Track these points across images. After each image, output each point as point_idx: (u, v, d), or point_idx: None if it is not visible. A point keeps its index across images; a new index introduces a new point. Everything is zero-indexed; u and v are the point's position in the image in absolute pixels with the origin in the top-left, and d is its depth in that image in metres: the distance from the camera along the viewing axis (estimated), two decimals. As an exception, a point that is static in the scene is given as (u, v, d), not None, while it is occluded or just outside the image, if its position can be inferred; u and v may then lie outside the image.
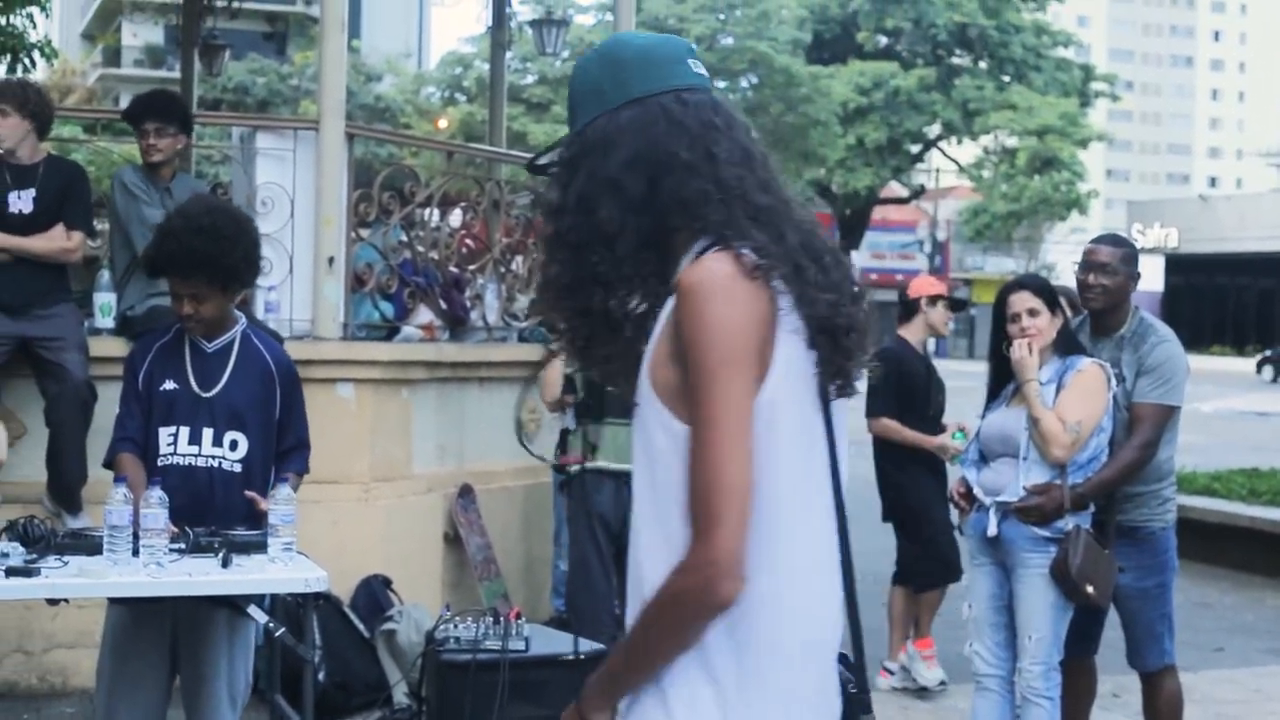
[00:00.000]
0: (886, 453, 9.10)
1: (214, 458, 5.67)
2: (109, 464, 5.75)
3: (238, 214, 6.02)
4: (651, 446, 2.68)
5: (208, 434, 5.68)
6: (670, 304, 2.65)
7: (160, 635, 5.70)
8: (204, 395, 5.66)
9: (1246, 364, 57.97)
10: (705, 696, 2.65)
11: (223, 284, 5.63)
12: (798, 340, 2.66)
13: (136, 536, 5.36)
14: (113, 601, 5.67)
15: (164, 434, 5.69)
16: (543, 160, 2.89)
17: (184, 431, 5.68)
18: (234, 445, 5.71)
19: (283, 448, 5.84)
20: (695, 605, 2.57)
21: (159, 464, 5.64)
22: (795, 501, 2.71)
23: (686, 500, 2.58)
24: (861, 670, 2.96)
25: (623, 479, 8.24)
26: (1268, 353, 55.62)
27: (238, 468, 5.69)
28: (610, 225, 2.70)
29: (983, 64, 52.68)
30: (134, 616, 5.68)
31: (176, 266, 5.61)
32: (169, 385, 5.69)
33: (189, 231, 5.57)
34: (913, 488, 9.00)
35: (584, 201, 2.71)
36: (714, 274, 2.59)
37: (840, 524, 2.83)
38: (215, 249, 5.54)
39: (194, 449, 5.67)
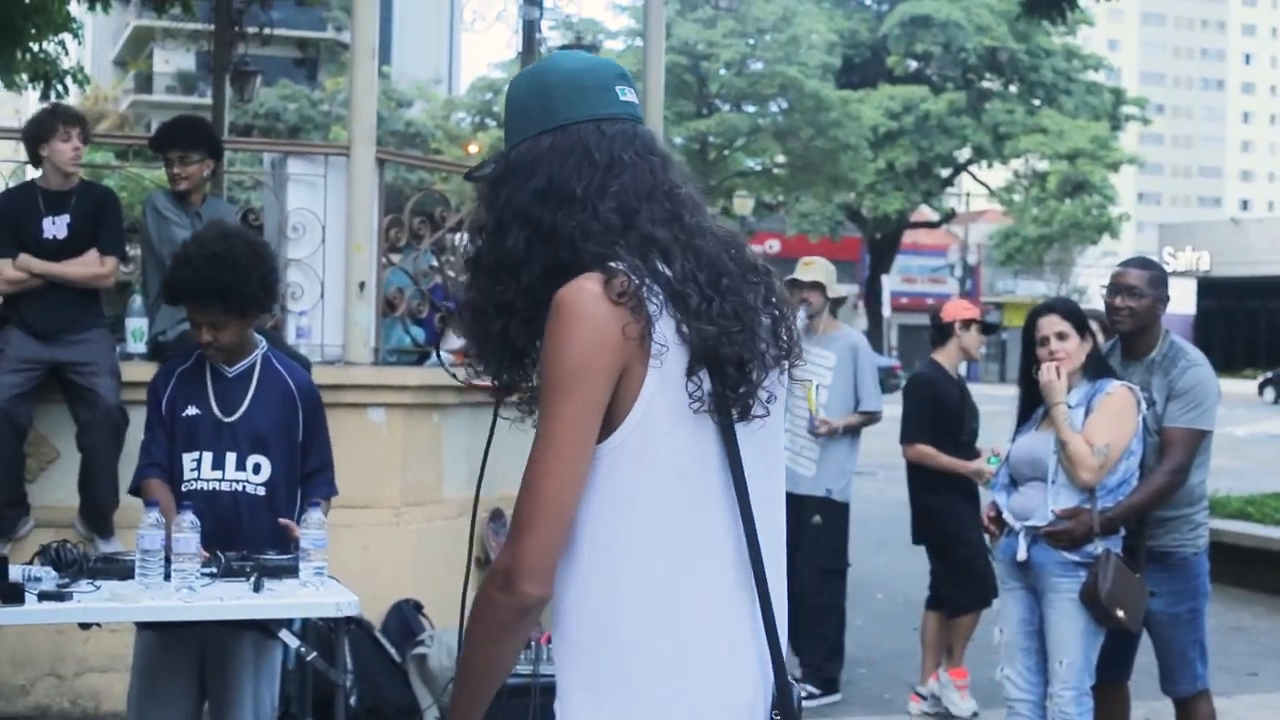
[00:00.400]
0: (920, 477, 9.08)
1: (238, 482, 5.68)
2: (135, 490, 5.76)
3: (253, 239, 6.01)
4: None
5: (231, 458, 5.69)
6: None
7: (190, 659, 5.71)
8: (226, 420, 5.67)
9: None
10: None
11: (240, 311, 5.63)
12: (672, 370, 2.63)
13: (168, 561, 5.39)
14: (142, 626, 5.69)
15: (187, 460, 5.70)
16: (476, 174, 2.88)
17: (207, 457, 5.69)
18: (257, 469, 5.72)
19: (307, 469, 5.84)
20: (497, 607, 2.62)
21: (183, 489, 5.65)
22: (676, 543, 2.67)
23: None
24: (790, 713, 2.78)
25: None
26: (1269, 374, 55.10)
27: (261, 491, 5.70)
28: (517, 253, 2.70)
29: (1013, 88, 52.63)
30: (163, 641, 5.70)
31: (193, 295, 5.61)
32: (191, 411, 5.70)
33: (204, 259, 5.58)
34: (946, 511, 8.97)
35: (499, 227, 2.73)
36: (576, 291, 2.60)
37: (755, 555, 2.72)
38: (231, 276, 5.54)
39: (217, 474, 5.68)
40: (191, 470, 5.70)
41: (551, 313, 2.59)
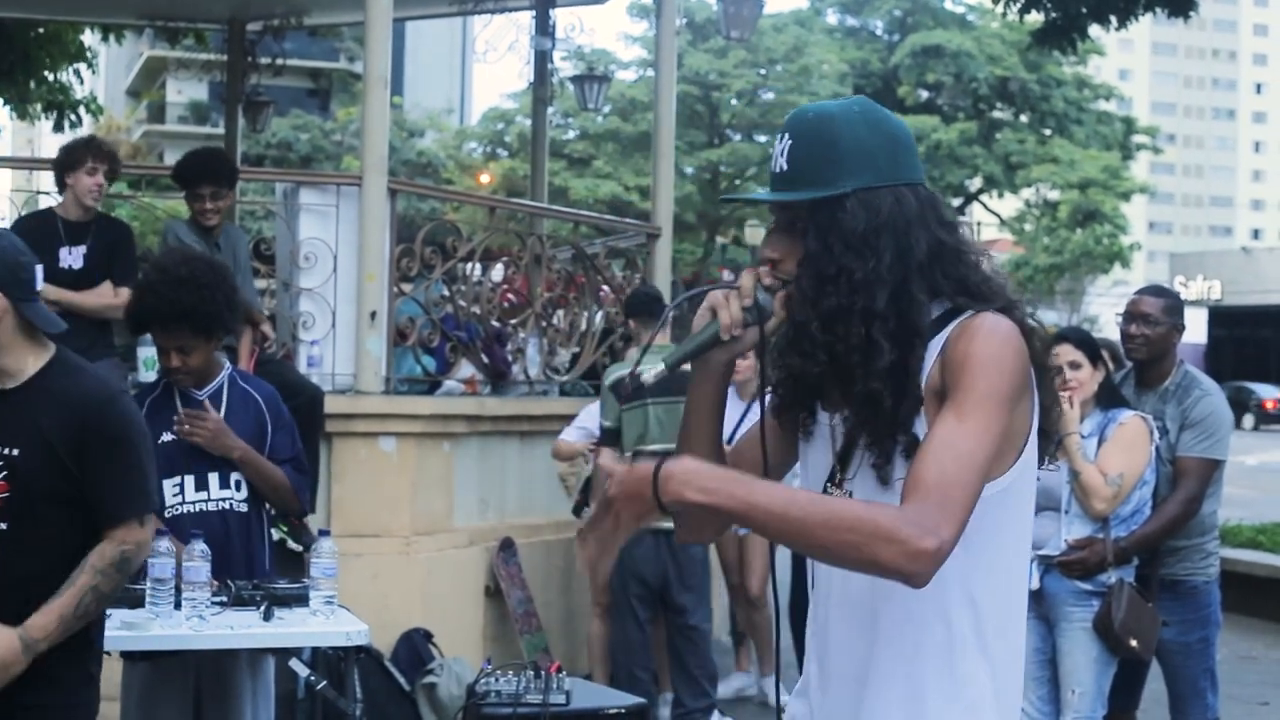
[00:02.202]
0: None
1: (224, 500, 5.72)
2: None
3: (214, 261, 6.05)
4: None
5: (213, 479, 5.72)
6: (936, 354, 2.77)
7: (185, 688, 5.73)
8: (222, 454, 5.70)
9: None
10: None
11: (207, 331, 5.66)
12: (1036, 422, 2.84)
13: (178, 590, 5.39)
14: (133, 655, 5.68)
15: (169, 486, 5.71)
16: (794, 198, 2.86)
17: (189, 480, 5.72)
18: (239, 485, 5.75)
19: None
20: (902, 559, 2.56)
21: (166, 516, 5.65)
22: (1023, 571, 2.97)
23: (912, 479, 2.64)
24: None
25: (661, 536, 8.26)
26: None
27: (244, 507, 5.75)
28: (915, 306, 2.77)
29: (1024, 117, 52.70)
30: (158, 669, 5.71)
31: (159, 319, 5.64)
32: (166, 437, 5.71)
33: (167, 284, 5.61)
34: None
35: (893, 278, 2.77)
36: (1010, 324, 2.76)
37: None
38: (195, 298, 5.57)
39: (203, 495, 5.71)
40: (175, 495, 5.72)
41: (990, 333, 2.73)
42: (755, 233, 45.11)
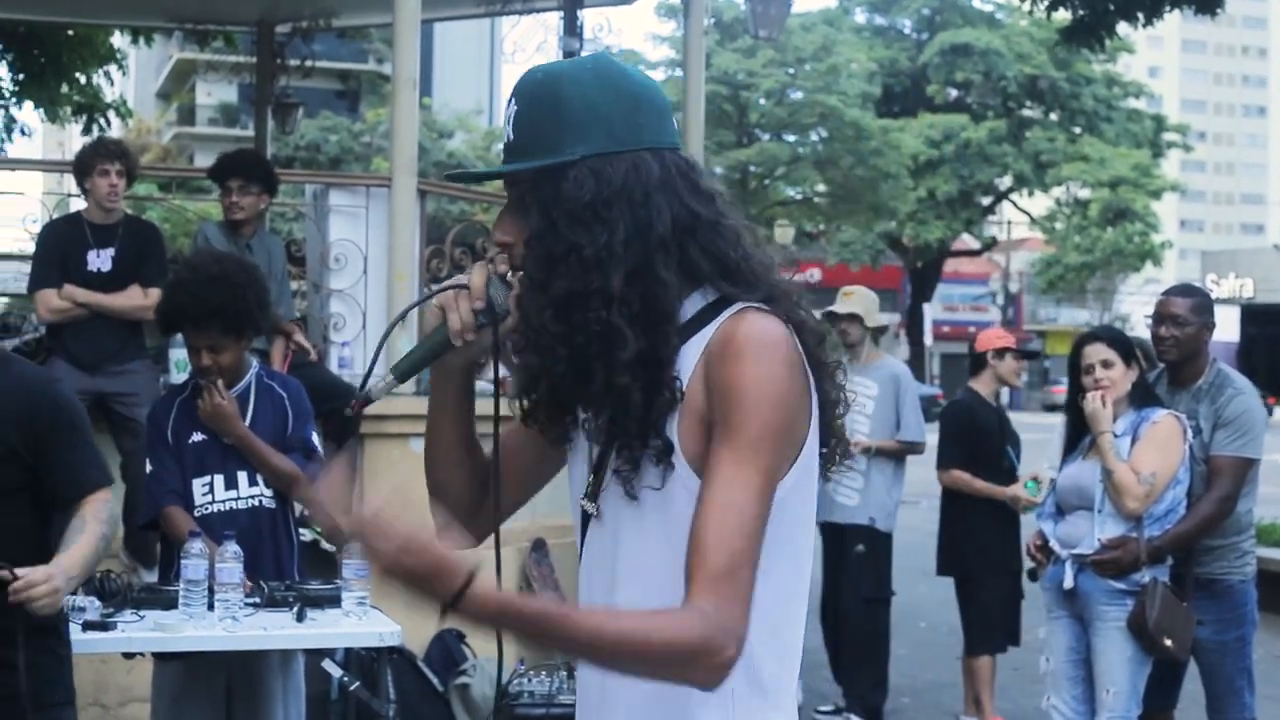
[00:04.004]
0: (955, 506, 9.04)
1: (253, 498, 5.75)
2: (153, 519, 5.79)
3: (245, 261, 6.11)
4: (671, 509, 2.46)
5: (242, 477, 5.75)
6: (698, 358, 2.45)
7: (216, 689, 5.74)
8: (228, 441, 5.70)
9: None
10: None
11: (237, 330, 5.69)
12: (815, 423, 2.53)
13: (211, 591, 5.40)
14: (165, 656, 5.70)
15: (199, 485, 5.75)
16: (512, 169, 2.55)
17: (219, 479, 5.75)
18: (267, 482, 5.77)
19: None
20: (700, 672, 2.33)
21: (196, 516, 5.68)
22: (799, 592, 2.59)
23: (699, 553, 2.34)
24: None
25: None
26: None
27: (272, 504, 5.77)
28: (661, 286, 2.44)
29: (1054, 115, 52.53)
30: (190, 670, 5.72)
31: (190, 318, 5.67)
32: (197, 437, 5.74)
33: (198, 282, 5.64)
34: (975, 548, 8.91)
35: (631, 254, 2.44)
36: (771, 331, 2.43)
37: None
38: (226, 296, 5.59)
39: (232, 493, 5.73)
40: (204, 495, 5.74)
41: (757, 351, 2.40)
42: (785, 232, 45.09)
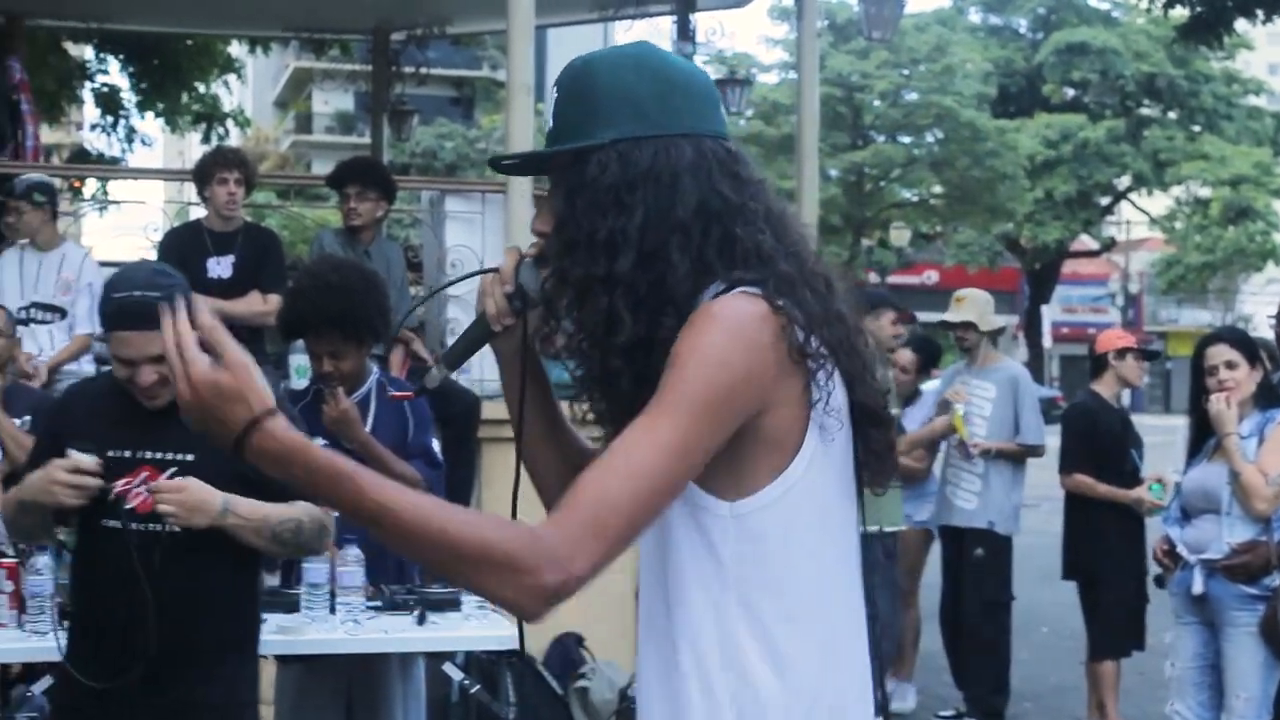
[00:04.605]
0: (1077, 509, 8.94)
1: None
2: None
3: (364, 268, 6.13)
4: (667, 523, 2.38)
5: None
6: None
7: (337, 691, 5.78)
8: (351, 447, 5.72)
9: None
10: None
11: (358, 337, 5.71)
12: (831, 426, 2.38)
13: (334, 594, 5.45)
14: (285, 659, 5.74)
15: None
16: (541, 154, 2.54)
17: None
18: None
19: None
20: (513, 592, 2.18)
21: None
22: (827, 609, 2.44)
23: (569, 491, 2.23)
24: None
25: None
26: None
27: None
28: (671, 270, 2.37)
29: (1172, 114, 51.90)
30: (311, 673, 5.76)
31: (311, 326, 5.70)
32: (318, 442, 5.74)
33: (318, 290, 5.66)
34: (1101, 550, 8.81)
35: (646, 238, 2.38)
36: (743, 310, 2.32)
37: (872, 629, 2.54)
38: (346, 304, 5.61)
39: None
40: None
41: (709, 320, 2.30)
42: (901, 234, 44.92)
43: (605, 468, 2.23)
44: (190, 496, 4.23)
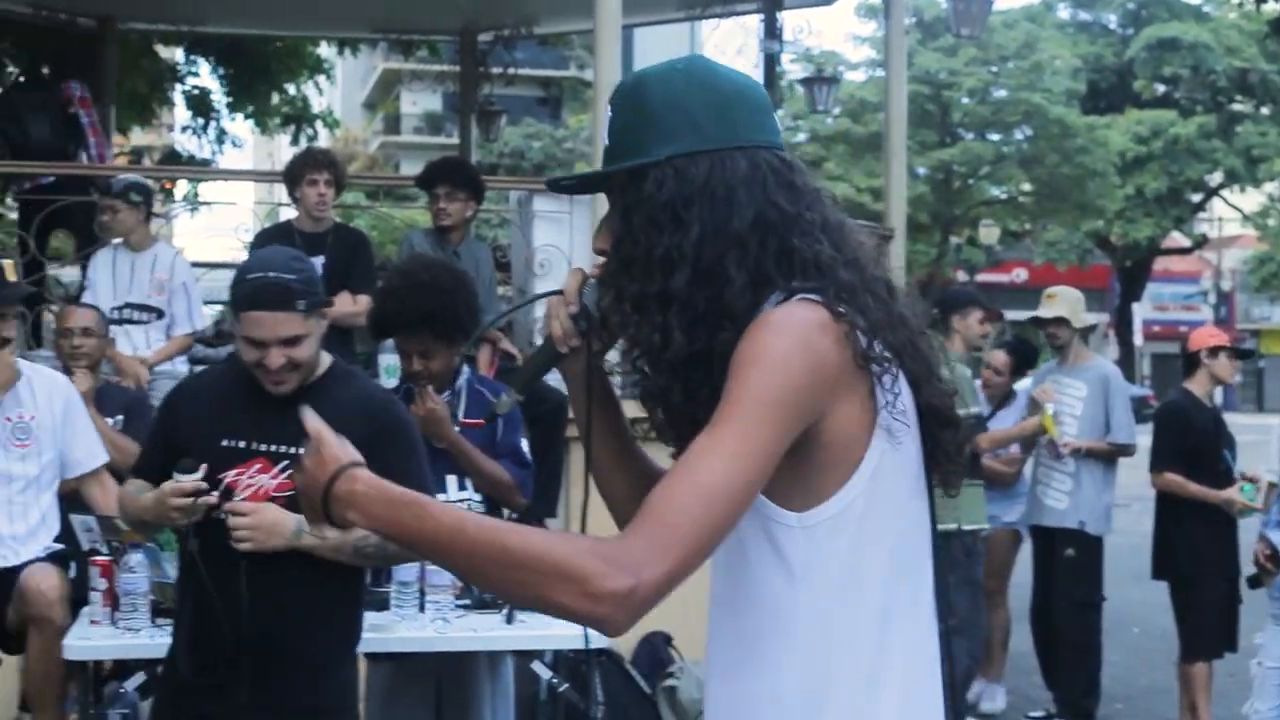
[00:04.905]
0: (1170, 509, 8.86)
1: (462, 501, 5.78)
2: None
3: (454, 268, 6.16)
4: (738, 535, 2.35)
5: (451, 480, 5.80)
6: None
7: (427, 689, 5.81)
8: (440, 445, 5.74)
9: None
10: None
11: (448, 336, 5.73)
12: (899, 431, 2.38)
13: (423, 592, 5.47)
14: (376, 656, 5.77)
15: None
16: (596, 173, 2.58)
17: (451, 479, 5.80)
18: (477, 486, 5.81)
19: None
20: (587, 603, 2.15)
21: None
22: (896, 615, 2.42)
23: (648, 503, 2.22)
24: None
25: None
26: None
27: (482, 508, 5.81)
28: (728, 286, 2.37)
29: (1265, 109, 51.34)
30: (401, 670, 5.79)
31: (401, 324, 5.73)
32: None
33: (409, 289, 5.69)
34: (1191, 549, 8.73)
35: (702, 253, 2.38)
36: (801, 316, 2.32)
37: (944, 634, 2.51)
38: (436, 303, 5.64)
39: (441, 497, 5.76)
40: None
41: (767, 327, 2.30)
42: (990, 232, 44.62)
43: (673, 480, 2.23)
44: (263, 519, 4.27)
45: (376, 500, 2.31)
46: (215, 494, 4.37)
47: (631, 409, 2.75)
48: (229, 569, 4.32)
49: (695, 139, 2.41)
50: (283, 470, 4.38)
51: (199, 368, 8.59)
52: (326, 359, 4.55)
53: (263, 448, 4.42)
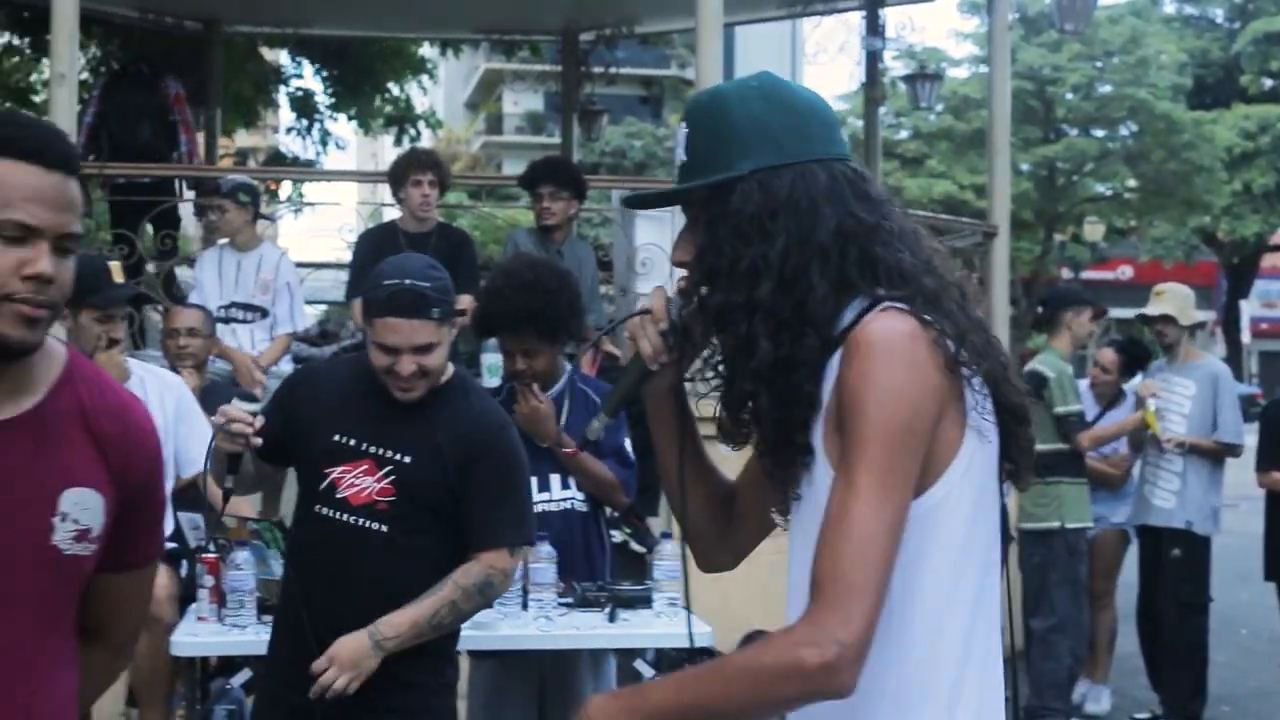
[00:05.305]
0: (1278, 509, 8.76)
1: (566, 500, 5.80)
2: None
3: (558, 267, 6.16)
4: (819, 514, 2.41)
5: (555, 479, 5.80)
6: (836, 362, 2.44)
7: (530, 687, 5.82)
8: (544, 444, 5.75)
9: None
10: None
11: (551, 335, 5.74)
12: (987, 431, 2.49)
13: (526, 591, 5.50)
14: (480, 654, 5.79)
15: None
16: (682, 188, 2.61)
17: (533, 482, 5.81)
18: (580, 485, 5.82)
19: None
20: (811, 684, 2.29)
21: None
22: (977, 610, 2.52)
23: (813, 568, 2.34)
24: None
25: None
26: None
27: (584, 507, 5.81)
28: (812, 294, 2.46)
29: (1377, 104, 50.64)
30: (505, 668, 5.81)
31: (505, 323, 5.75)
32: None
33: (513, 288, 5.70)
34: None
35: (787, 264, 2.46)
36: (899, 332, 2.40)
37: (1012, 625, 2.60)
38: (540, 302, 5.65)
39: (545, 495, 5.78)
40: None
41: (870, 350, 2.38)
42: (1095, 229, 44.25)
43: (828, 537, 2.34)
44: (344, 662, 4.31)
45: (625, 711, 2.41)
46: (331, 473, 4.46)
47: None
48: (322, 571, 4.35)
49: (775, 154, 2.51)
50: (387, 475, 4.42)
51: (299, 366, 8.66)
52: (450, 369, 4.58)
53: (372, 449, 4.45)
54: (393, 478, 4.40)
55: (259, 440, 4.42)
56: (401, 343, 4.35)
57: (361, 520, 4.43)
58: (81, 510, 2.59)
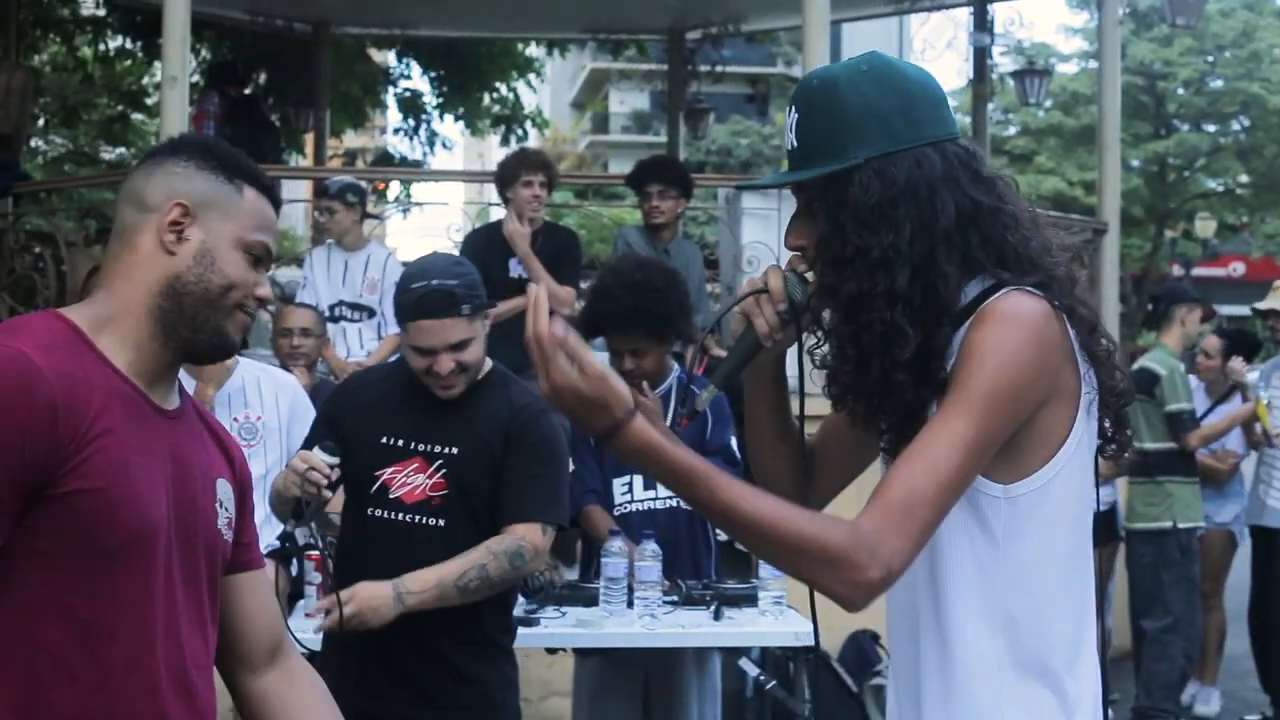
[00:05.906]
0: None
1: (671, 498, 5.80)
2: (574, 518, 5.87)
3: (666, 266, 6.17)
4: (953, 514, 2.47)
5: None
6: (963, 333, 2.48)
7: (635, 685, 5.84)
8: None
9: None
10: None
11: (660, 334, 5.74)
12: (1094, 411, 2.56)
13: (631, 589, 5.51)
14: (586, 651, 5.81)
15: (618, 484, 5.85)
16: (799, 178, 2.60)
17: (638, 479, 5.83)
18: None
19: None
20: (841, 584, 2.35)
21: (616, 514, 5.78)
22: (1082, 589, 2.60)
23: (881, 486, 2.40)
24: None
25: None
26: None
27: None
28: (943, 280, 2.49)
29: None
30: (610, 665, 5.83)
31: (614, 323, 5.74)
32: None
33: (622, 288, 5.70)
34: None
35: (916, 251, 2.48)
36: (1029, 306, 2.46)
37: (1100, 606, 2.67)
38: (649, 302, 5.65)
39: (650, 494, 5.80)
40: (624, 494, 5.84)
41: (1002, 319, 2.44)
42: (1206, 225, 43.72)
43: (910, 465, 2.38)
44: (363, 603, 4.29)
45: (655, 463, 2.45)
46: (380, 477, 4.50)
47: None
48: (379, 574, 4.37)
49: (889, 140, 2.51)
50: (438, 470, 4.44)
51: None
52: (487, 363, 4.59)
53: (421, 447, 4.48)
54: (444, 471, 4.44)
55: (329, 494, 4.46)
56: (436, 343, 4.38)
57: (418, 517, 4.46)
58: (228, 499, 2.77)
